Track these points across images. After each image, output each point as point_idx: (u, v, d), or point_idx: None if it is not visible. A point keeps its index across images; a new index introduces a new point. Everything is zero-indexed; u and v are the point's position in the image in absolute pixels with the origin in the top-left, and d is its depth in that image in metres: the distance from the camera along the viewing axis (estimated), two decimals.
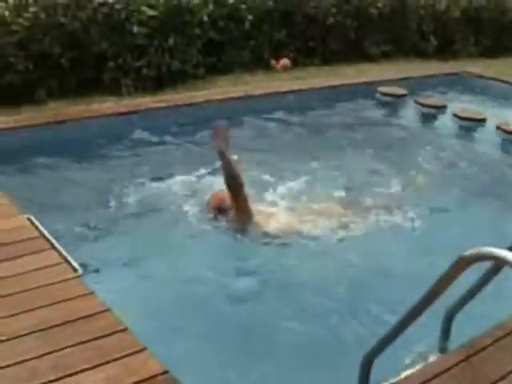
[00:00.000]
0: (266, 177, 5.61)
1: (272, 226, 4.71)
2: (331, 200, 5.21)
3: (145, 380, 2.51)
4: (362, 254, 4.43)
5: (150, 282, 4.10)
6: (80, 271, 3.37)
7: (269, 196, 5.23)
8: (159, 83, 8.65)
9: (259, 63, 10.09)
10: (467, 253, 2.26)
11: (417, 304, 2.48)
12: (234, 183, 4.53)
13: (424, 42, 12.00)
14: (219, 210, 4.79)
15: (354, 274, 4.29)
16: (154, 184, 5.47)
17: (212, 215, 4.83)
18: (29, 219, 3.92)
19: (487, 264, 2.61)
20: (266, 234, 4.65)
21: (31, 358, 2.62)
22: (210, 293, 3.98)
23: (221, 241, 4.62)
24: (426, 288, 2.40)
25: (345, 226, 4.83)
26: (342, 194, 5.35)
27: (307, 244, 4.58)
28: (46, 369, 2.55)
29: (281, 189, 5.37)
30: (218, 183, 4.87)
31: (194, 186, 5.39)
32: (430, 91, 8.68)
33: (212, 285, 4.05)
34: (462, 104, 8.01)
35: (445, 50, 12.23)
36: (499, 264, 2.42)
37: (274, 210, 4.98)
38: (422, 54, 11.91)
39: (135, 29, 8.22)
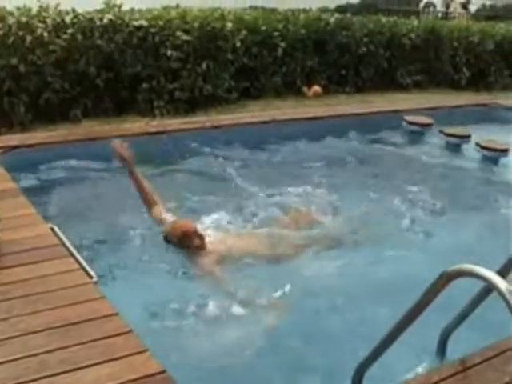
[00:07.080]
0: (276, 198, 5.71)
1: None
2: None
3: (144, 377, 2.67)
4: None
5: None
6: (95, 278, 3.57)
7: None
8: (192, 106, 8.90)
9: (291, 89, 10.34)
10: (450, 269, 2.41)
11: (403, 318, 2.62)
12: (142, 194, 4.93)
13: (457, 74, 12.12)
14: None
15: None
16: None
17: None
18: (51, 228, 4.14)
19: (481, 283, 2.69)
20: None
21: (42, 352, 2.79)
22: None
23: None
24: None
25: None
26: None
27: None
28: (54, 362, 2.73)
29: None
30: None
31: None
32: (457, 121, 8.71)
33: None
34: (488, 135, 8.05)
35: (478, 82, 12.34)
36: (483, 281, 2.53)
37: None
38: (454, 86, 12.06)
39: (169, 52, 8.49)
